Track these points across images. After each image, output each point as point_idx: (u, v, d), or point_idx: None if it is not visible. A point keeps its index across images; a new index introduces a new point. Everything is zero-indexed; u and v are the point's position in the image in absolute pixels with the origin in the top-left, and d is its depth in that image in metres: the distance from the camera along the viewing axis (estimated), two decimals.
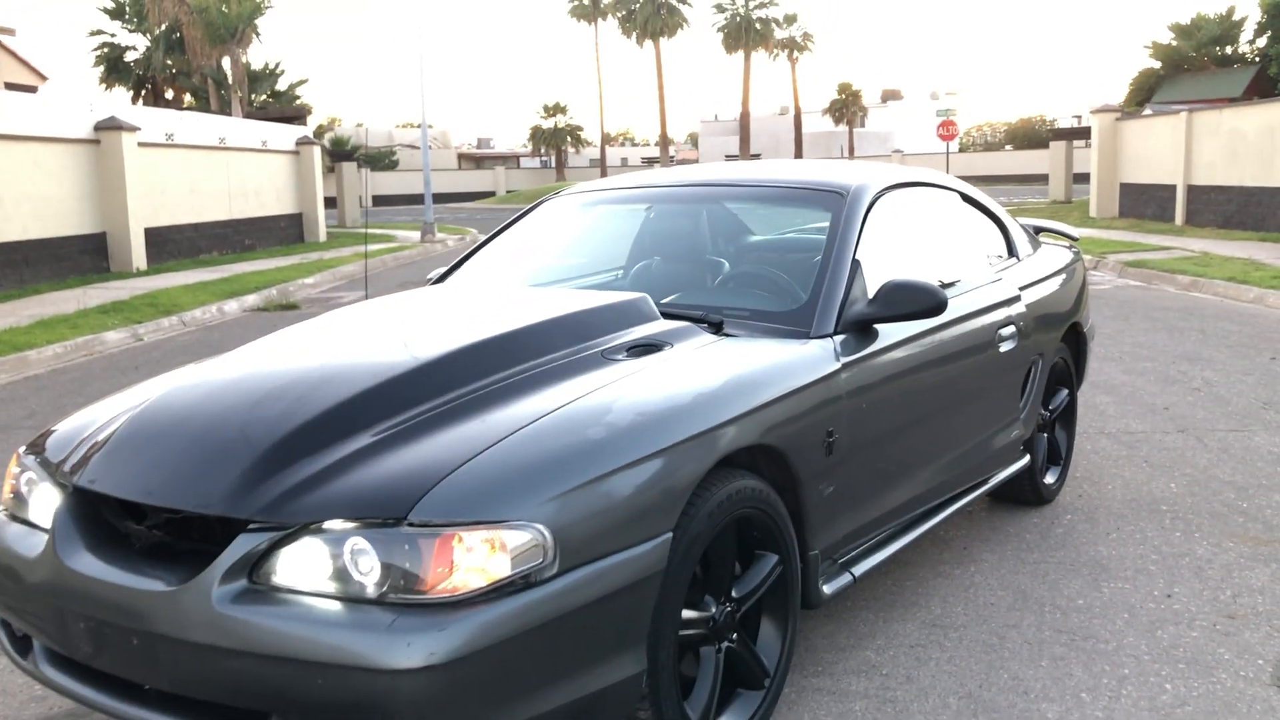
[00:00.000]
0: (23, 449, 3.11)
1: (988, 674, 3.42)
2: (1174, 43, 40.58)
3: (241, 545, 2.40)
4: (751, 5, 64.71)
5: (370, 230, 30.89)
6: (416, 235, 28.15)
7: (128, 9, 38.21)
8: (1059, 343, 5.00)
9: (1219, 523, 4.74)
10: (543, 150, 72.36)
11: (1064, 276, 5.14)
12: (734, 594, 2.94)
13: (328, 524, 2.37)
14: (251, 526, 2.41)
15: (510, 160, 77.22)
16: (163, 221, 20.01)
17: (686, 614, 2.74)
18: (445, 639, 2.22)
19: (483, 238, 4.70)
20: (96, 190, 18.08)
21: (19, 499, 2.97)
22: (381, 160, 59.68)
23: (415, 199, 56.12)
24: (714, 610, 2.87)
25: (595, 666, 2.46)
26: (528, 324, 3.15)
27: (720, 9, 65.38)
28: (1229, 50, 40.28)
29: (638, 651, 2.55)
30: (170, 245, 20.32)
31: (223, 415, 2.74)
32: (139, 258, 18.60)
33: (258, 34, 32.78)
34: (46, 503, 2.85)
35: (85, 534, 2.68)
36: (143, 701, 2.57)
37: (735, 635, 2.94)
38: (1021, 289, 4.58)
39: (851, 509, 3.41)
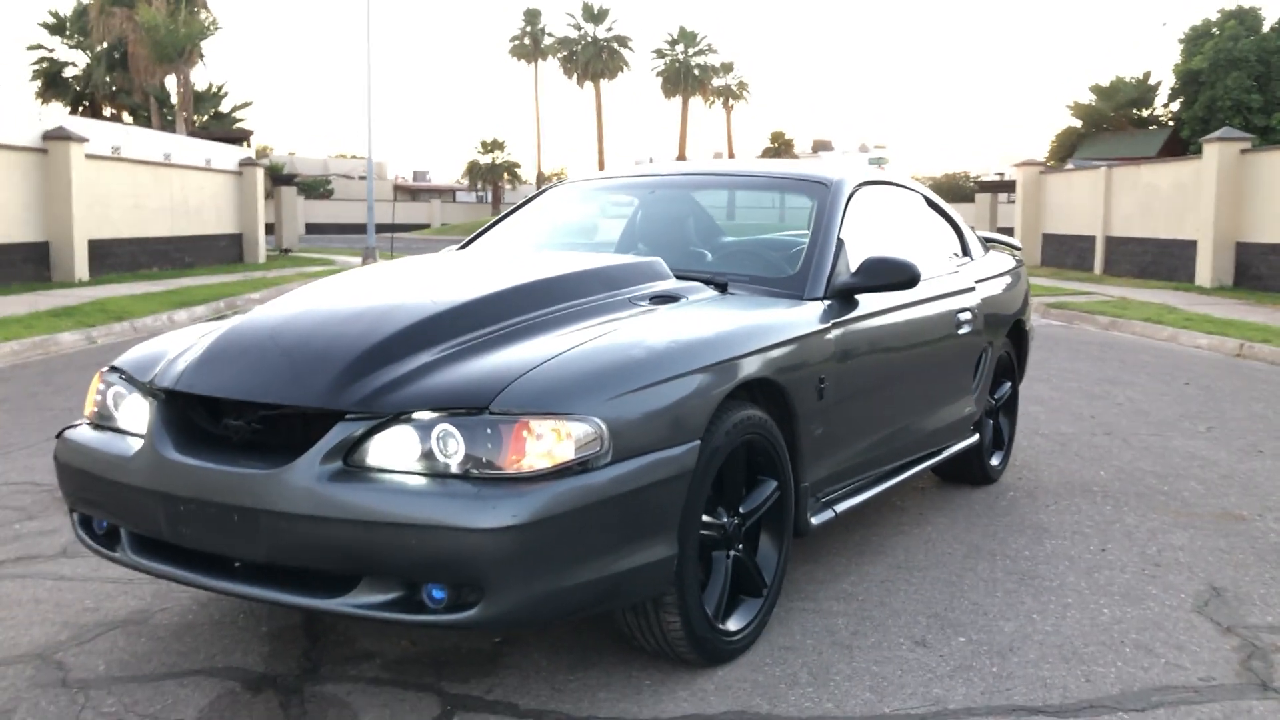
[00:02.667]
0: (105, 369, 3.45)
1: (950, 601, 3.90)
2: (1094, 103, 42.47)
3: (338, 433, 2.78)
4: (690, 52, 66.16)
5: (308, 254, 30.96)
6: (357, 260, 28.35)
7: (69, 25, 37.95)
8: (1004, 337, 5.55)
9: (1144, 501, 5.30)
10: (479, 185, 72.79)
11: (1010, 279, 5.72)
12: (741, 510, 3.38)
13: (417, 414, 2.77)
14: (348, 416, 2.79)
15: (446, 194, 77.46)
16: (105, 234, 19.99)
17: (705, 519, 3.18)
18: (524, 504, 2.62)
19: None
20: (41, 199, 18.05)
21: (104, 412, 3.31)
22: (317, 189, 59.52)
23: (349, 228, 56.10)
24: (725, 520, 3.30)
25: (637, 545, 2.87)
26: (565, 273, 3.59)
27: (660, 54, 66.74)
28: (1145, 113, 42.29)
29: (670, 537, 2.97)
30: (112, 258, 20.28)
31: (310, 330, 3.12)
32: (81, 268, 18.56)
33: (202, 56, 32.79)
34: (137, 411, 3.20)
35: (180, 432, 3.03)
36: (231, 575, 2.92)
37: (741, 546, 3.37)
38: (976, 283, 5.13)
39: (835, 451, 3.87)
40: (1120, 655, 3.43)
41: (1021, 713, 3.04)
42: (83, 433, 3.32)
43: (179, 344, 3.40)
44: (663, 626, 3.11)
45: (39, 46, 38.67)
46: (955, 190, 66.29)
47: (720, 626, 3.26)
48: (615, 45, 66.14)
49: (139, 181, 21.45)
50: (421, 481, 2.71)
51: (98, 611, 3.71)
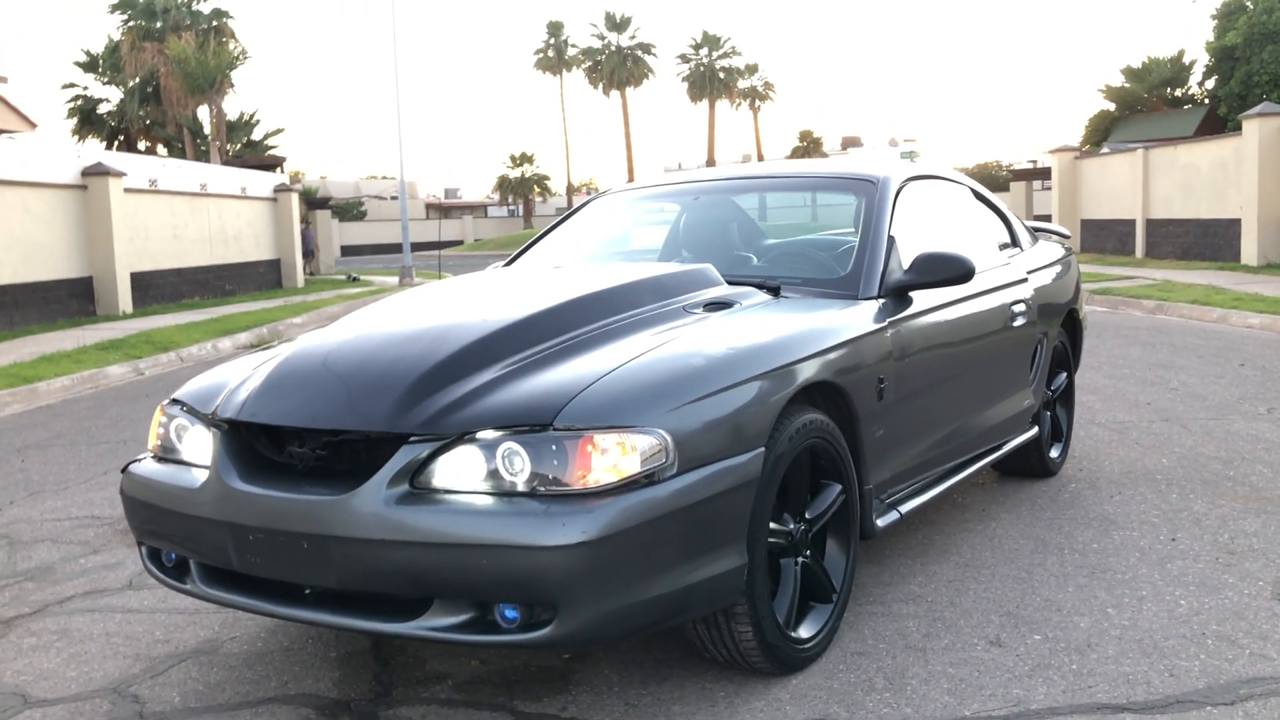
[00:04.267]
0: (166, 402, 3.47)
1: (1022, 598, 3.83)
2: (1127, 85, 41.97)
3: (404, 455, 2.77)
4: (714, 56, 66.13)
5: (342, 275, 31.22)
6: (394, 280, 28.56)
7: (101, 62, 38.57)
8: (1059, 327, 5.47)
9: (1210, 487, 5.20)
10: (510, 199, 73.12)
11: (1061, 268, 5.63)
12: (807, 515, 3.34)
13: (481, 434, 2.76)
14: (413, 439, 2.79)
15: (478, 209, 77.91)
16: (146, 266, 20.27)
17: (772, 525, 3.14)
18: (593, 520, 2.60)
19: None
20: (83, 235, 18.33)
21: (167, 444, 3.33)
22: (350, 211, 60.03)
23: (384, 248, 56.55)
24: (792, 527, 3.26)
25: (706, 556, 2.84)
26: (618, 284, 3.57)
27: (684, 59, 66.77)
28: (1180, 92, 41.73)
29: (739, 546, 2.94)
30: (153, 290, 20.54)
31: (369, 354, 3.12)
32: (125, 301, 18.82)
33: (233, 85, 33.20)
34: (200, 442, 3.21)
35: (245, 462, 3.04)
36: (302, 603, 2.93)
37: (809, 552, 3.33)
38: (1028, 273, 5.06)
39: (897, 452, 3.82)
40: (1203, 648, 3.36)
41: (1106, 710, 2.97)
42: (147, 466, 3.34)
43: (238, 374, 3.41)
44: (734, 637, 3.08)
45: (73, 85, 39.41)
46: (989, 180, 65.76)
47: (792, 634, 3.22)
48: (639, 52, 66.25)
49: (177, 212, 21.74)
50: (489, 501, 2.69)
51: (169, 643, 3.73)
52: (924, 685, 3.17)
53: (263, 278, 25.70)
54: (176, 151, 35.74)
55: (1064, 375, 5.67)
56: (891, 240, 4.07)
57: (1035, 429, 5.15)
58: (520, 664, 3.41)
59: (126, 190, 19.24)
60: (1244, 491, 5.10)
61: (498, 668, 3.40)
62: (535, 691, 3.21)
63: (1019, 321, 4.78)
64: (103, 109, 39.67)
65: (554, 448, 2.70)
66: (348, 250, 54.88)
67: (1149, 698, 3.04)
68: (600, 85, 66.82)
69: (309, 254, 32.92)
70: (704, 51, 66.50)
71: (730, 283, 3.88)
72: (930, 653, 3.39)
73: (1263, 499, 4.96)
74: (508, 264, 4.85)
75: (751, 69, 67.77)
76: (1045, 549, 4.37)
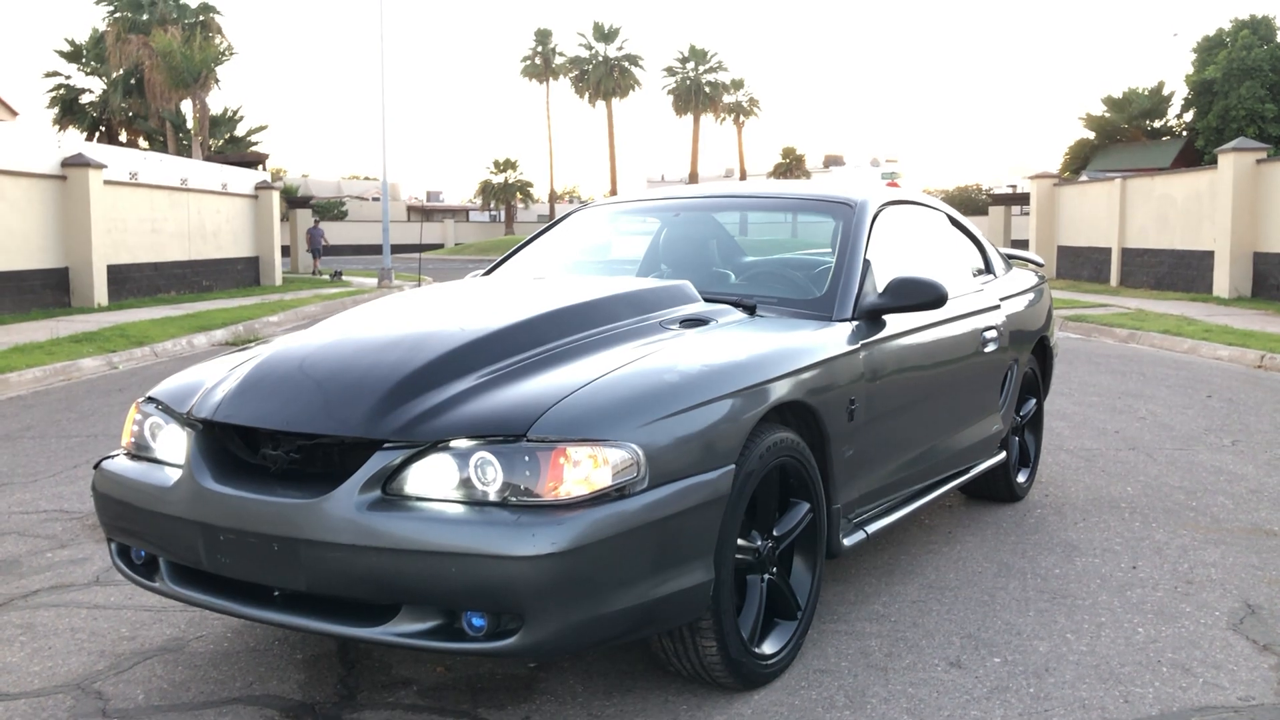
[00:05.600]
0: (141, 400, 3.47)
1: (983, 621, 3.88)
2: (1107, 115, 42.45)
3: (377, 461, 2.79)
4: (701, 70, 66.37)
5: (324, 275, 31.13)
6: (373, 281, 28.49)
7: (85, 52, 38.32)
8: (1030, 354, 5.55)
9: (1172, 517, 5.28)
10: (492, 205, 73.05)
11: (1034, 295, 5.71)
12: (774, 533, 3.38)
13: (454, 442, 2.78)
14: (386, 445, 2.81)
15: (459, 214, 77.80)
16: (123, 259, 20.17)
17: (740, 542, 3.18)
18: (563, 532, 2.63)
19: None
20: (61, 226, 18.22)
21: (141, 442, 3.34)
22: (331, 210, 59.84)
23: (364, 249, 56.34)
24: (759, 544, 3.30)
25: (673, 570, 2.88)
26: (596, 298, 3.61)
27: (671, 72, 66.99)
28: (1158, 124, 42.25)
29: (706, 562, 2.97)
30: (130, 283, 20.44)
31: (346, 359, 3.14)
32: (100, 294, 18.71)
33: (218, 80, 33.07)
34: (174, 441, 3.22)
35: (218, 463, 3.06)
36: (270, 605, 2.94)
37: (775, 569, 3.37)
38: (1001, 300, 5.13)
39: (866, 473, 3.87)
40: (1158, 675, 3.42)
41: None
42: (120, 463, 3.35)
43: (214, 374, 3.42)
44: (699, 651, 3.12)
45: (55, 74, 39.09)
46: (968, 203, 66.22)
47: (756, 650, 3.26)
48: (626, 64, 66.41)
49: (156, 206, 21.63)
50: (460, 510, 2.72)
51: (134, 640, 3.73)
52: (884, 705, 3.21)
53: (241, 275, 25.60)
54: (158, 145, 35.55)
55: (1033, 401, 5.75)
56: (867, 264, 4.13)
57: (1003, 454, 5.22)
58: (485, 671, 3.43)
59: (106, 182, 19.15)
60: (1205, 522, 5.18)
61: (463, 674, 3.42)
62: (499, 699, 3.24)
63: (990, 347, 4.84)
64: (85, 99, 39.42)
65: (526, 459, 2.73)
66: (328, 250, 54.41)
67: None
68: (586, 95, 66.93)
69: (316, 252, 32.84)
70: (690, 65, 66.74)
71: (707, 300, 3.93)
72: (891, 672, 3.44)
73: (1222, 530, 5.04)
74: (487, 273, 4.88)
75: (737, 84, 68.06)
76: (1008, 573, 4.43)
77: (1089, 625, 3.84)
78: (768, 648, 3.33)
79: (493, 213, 75.82)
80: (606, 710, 3.17)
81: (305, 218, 35.41)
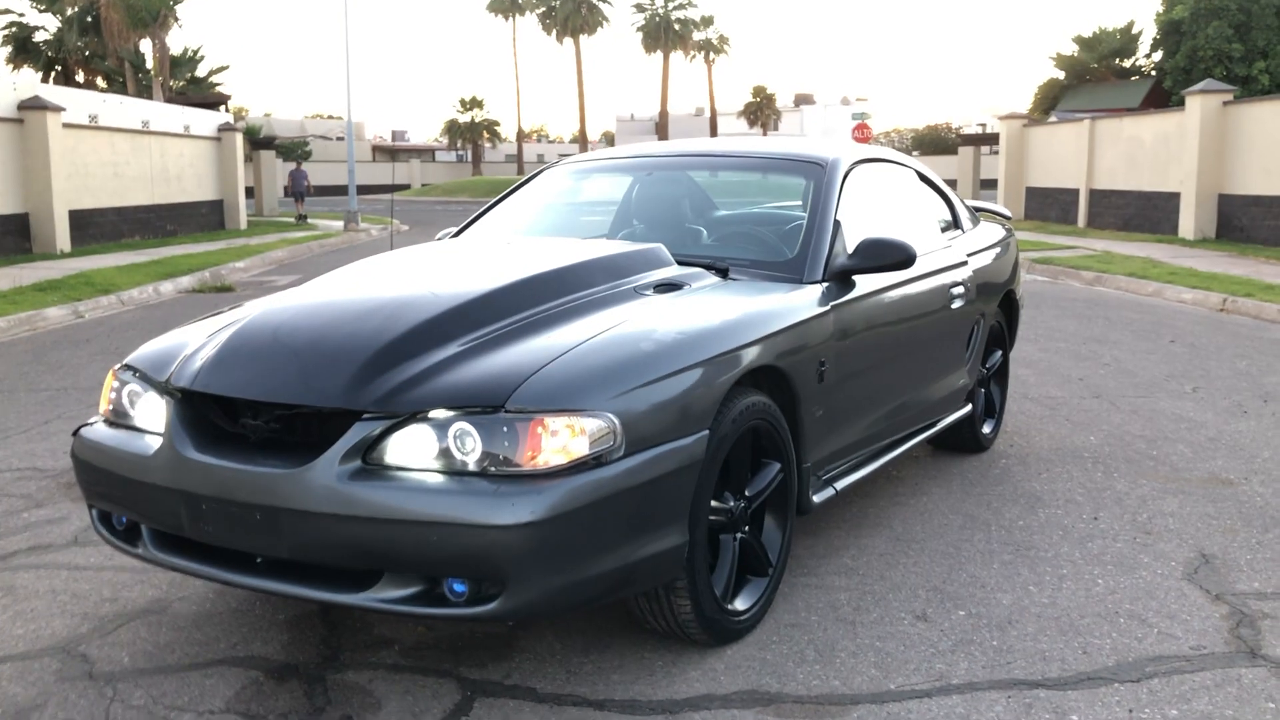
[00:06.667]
0: (118, 367, 3.49)
1: (949, 574, 4.00)
2: (1077, 54, 42.38)
3: (357, 432, 2.84)
4: (670, 6, 65.58)
5: (290, 218, 30.81)
6: (339, 224, 28.21)
7: None
8: (996, 308, 5.63)
9: (1133, 466, 5.41)
10: (459, 144, 72.30)
11: (1000, 249, 5.79)
12: (746, 493, 3.46)
13: (433, 413, 2.83)
14: (366, 416, 2.85)
15: (425, 154, 76.96)
16: (86, 204, 19.87)
17: (714, 504, 3.26)
18: (542, 500, 2.69)
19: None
20: (19, 170, 17.91)
21: (120, 409, 3.36)
22: (295, 150, 59.02)
23: (329, 190, 55.70)
24: (732, 504, 3.39)
25: (650, 534, 2.95)
26: (571, 263, 3.64)
27: (640, 8, 66.12)
28: (1128, 63, 42.23)
29: (681, 526, 3.05)
30: (93, 228, 20.16)
31: (325, 328, 3.17)
32: (63, 240, 18.46)
33: (178, 19, 32.37)
34: (153, 409, 3.24)
35: (199, 431, 3.09)
36: (254, 571, 3.00)
37: (747, 528, 3.46)
38: (968, 255, 5.20)
39: (835, 431, 3.95)
40: (1115, 626, 3.55)
41: (1022, 686, 3.15)
42: (99, 430, 3.37)
43: (193, 340, 3.43)
44: (674, 610, 3.21)
45: (8, 11, 38.04)
46: (938, 142, 66.15)
47: (729, 607, 3.35)
48: (595, 0, 65.50)
49: (118, 150, 21.28)
50: (440, 479, 2.78)
51: (116, 602, 3.78)
52: (852, 658, 3.32)
53: (205, 219, 25.30)
54: (117, 86, 34.79)
55: (999, 354, 5.85)
56: (838, 224, 4.17)
57: (969, 406, 5.32)
58: (466, 631, 3.51)
59: (65, 125, 18.79)
60: (1164, 471, 5.32)
61: (444, 635, 3.49)
62: (480, 658, 3.32)
63: (957, 304, 4.92)
64: (39, 38, 38.42)
65: (505, 429, 2.78)
66: (292, 191, 54.02)
67: (1062, 674, 3.22)
68: (554, 32, 66.03)
69: (299, 196, 32.33)
70: (660, 2, 65.92)
71: (680, 262, 3.97)
72: (859, 626, 3.55)
73: (1181, 479, 5.19)
74: (458, 233, 4.88)
75: (707, 21, 67.30)
76: (974, 525, 4.55)
77: (1051, 577, 3.97)
78: (740, 604, 3.42)
79: (459, 152, 75.11)
80: (584, 667, 3.26)
81: (269, 159, 34.94)
